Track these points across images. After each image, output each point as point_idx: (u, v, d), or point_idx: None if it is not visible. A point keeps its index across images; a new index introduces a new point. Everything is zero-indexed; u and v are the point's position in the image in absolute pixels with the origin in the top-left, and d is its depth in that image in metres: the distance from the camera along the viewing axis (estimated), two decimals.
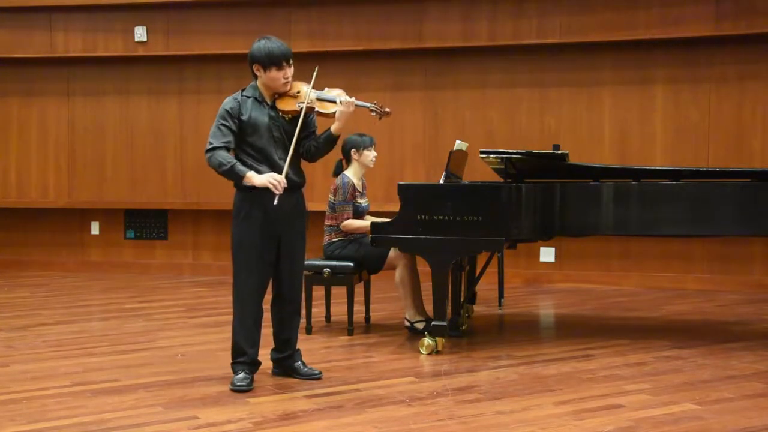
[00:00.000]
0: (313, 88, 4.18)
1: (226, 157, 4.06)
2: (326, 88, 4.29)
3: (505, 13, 7.77)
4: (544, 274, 7.82)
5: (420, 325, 5.41)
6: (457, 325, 5.40)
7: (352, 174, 5.54)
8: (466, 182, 5.82)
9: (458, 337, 5.31)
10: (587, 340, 5.30)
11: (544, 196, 5.09)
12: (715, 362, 4.72)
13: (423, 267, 5.24)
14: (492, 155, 5.22)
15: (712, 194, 5.08)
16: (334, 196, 5.49)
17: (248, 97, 4.17)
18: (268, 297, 4.24)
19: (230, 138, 4.11)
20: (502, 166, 5.35)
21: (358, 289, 5.69)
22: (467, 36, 7.85)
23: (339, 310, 5.93)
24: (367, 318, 5.90)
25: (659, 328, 5.83)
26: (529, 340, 5.39)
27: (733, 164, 7.23)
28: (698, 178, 5.35)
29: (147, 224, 8.60)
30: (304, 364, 4.38)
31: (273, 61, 4.09)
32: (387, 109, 4.36)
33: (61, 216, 8.67)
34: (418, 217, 4.84)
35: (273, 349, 4.39)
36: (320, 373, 4.36)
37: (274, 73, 4.11)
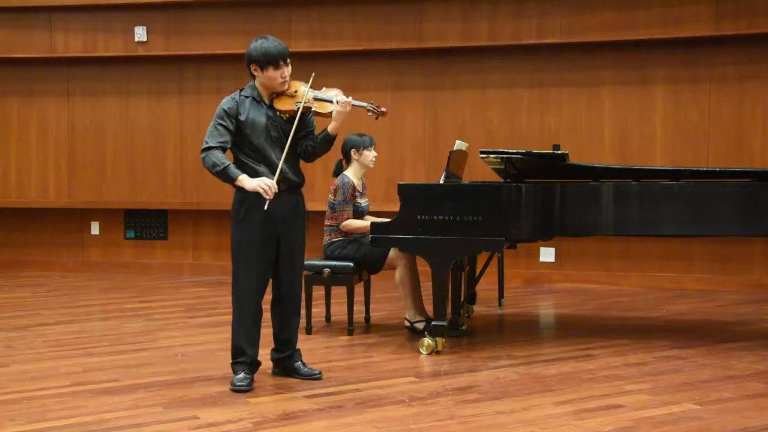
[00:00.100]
0: (311, 87, 4.19)
1: (221, 158, 4.05)
2: (324, 88, 4.29)
3: (505, 13, 7.77)
4: (544, 274, 7.82)
5: (420, 325, 5.41)
6: (457, 325, 5.40)
7: (352, 174, 5.54)
8: (466, 182, 5.82)
9: (458, 337, 5.31)
10: (587, 340, 5.30)
11: (544, 196, 5.09)
12: (715, 362, 4.72)
13: (423, 267, 5.24)
14: (492, 155, 5.23)
15: (712, 194, 5.08)
16: (334, 196, 5.49)
17: (246, 96, 4.17)
18: (268, 297, 4.24)
19: (227, 138, 4.10)
20: (502, 166, 5.35)
21: (358, 289, 5.69)
22: (467, 36, 7.85)
23: (339, 310, 5.93)
24: (367, 318, 5.90)
25: (659, 328, 5.83)
26: (529, 340, 5.39)
27: (733, 164, 7.23)
28: (698, 178, 5.35)
29: (147, 224, 8.60)
30: (304, 364, 4.38)
31: (270, 60, 4.08)
32: (383, 109, 4.37)
33: (61, 216, 8.67)
34: (418, 217, 4.84)
35: (273, 349, 4.39)
36: (320, 373, 4.36)
37: (271, 72, 4.11)
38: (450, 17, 7.86)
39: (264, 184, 3.98)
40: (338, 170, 5.63)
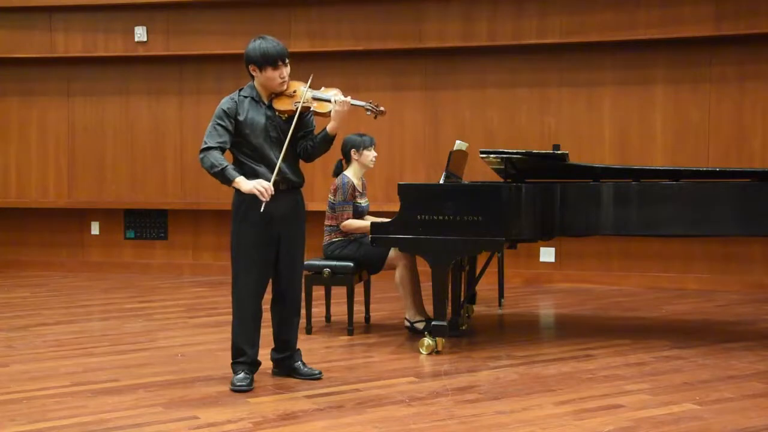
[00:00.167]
0: (309, 87, 4.19)
1: (219, 159, 4.05)
2: (323, 88, 4.29)
3: (505, 13, 7.77)
4: (544, 274, 7.82)
5: (420, 325, 5.41)
6: (457, 325, 5.40)
7: (352, 174, 5.54)
8: (466, 182, 5.82)
9: (458, 337, 5.31)
10: (587, 340, 5.30)
11: (544, 196, 5.09)
12: (715, 362, 4.72)
13: (423, 267, 5.24)
14: (492, 155, 5.23)
15: (712, 194, 5.08)
16: (334, 196, 5.49)
17: (245, 97, 4.17)
18: (268, 297, 4.24)
19: (226, 138, 4.10)
20: (502, 166, 5.35)
21: (358, 289, 5.69)
22: (467, 36, 7.84)
23: (339, 310, 5.93)
24: (367, 318, 5.90)
25: (659, 328, 5.83)
26: (529, 340, 5.38)
27: (733, 164, 7.24)
28: (698, 178, 5.35)
29: (147, 224, 8.60)
30: (304, 364, 4.38)
31: (268, 60, 4.08)
32: (382, 108, 4.36)
33: (61, 216, 8.67)
34: (418, 217, 4.84)
35: (273, 350, 4.39)
36: (320, 373, 4.36)
37: (270, 72, 4.10)
38: (450, 17, 7.86)
39: (261, 186, 3.98)
40: (338, 170, 5.63)
